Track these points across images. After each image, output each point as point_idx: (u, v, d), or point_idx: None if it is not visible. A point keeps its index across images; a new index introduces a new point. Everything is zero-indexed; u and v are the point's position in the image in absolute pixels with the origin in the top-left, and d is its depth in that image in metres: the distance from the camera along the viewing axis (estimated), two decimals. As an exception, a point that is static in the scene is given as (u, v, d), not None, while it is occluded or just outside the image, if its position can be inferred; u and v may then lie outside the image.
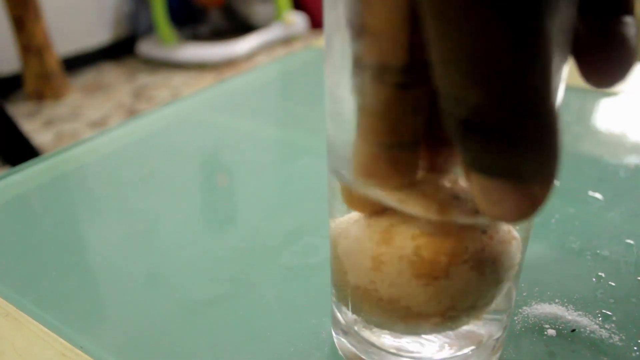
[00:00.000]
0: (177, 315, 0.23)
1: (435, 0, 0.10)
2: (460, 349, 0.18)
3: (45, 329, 0.22)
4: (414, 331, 0.17)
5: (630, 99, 0.44)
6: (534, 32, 0.10)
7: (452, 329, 0.17)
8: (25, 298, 0.24)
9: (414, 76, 0.11)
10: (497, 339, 0.19)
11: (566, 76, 0.13)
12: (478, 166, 0.11)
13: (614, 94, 0.45)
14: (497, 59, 0.10)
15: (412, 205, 0.14)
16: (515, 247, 0.16)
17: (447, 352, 0.18)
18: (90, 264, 0.27)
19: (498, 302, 0.17)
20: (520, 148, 0.10)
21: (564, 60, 0.12)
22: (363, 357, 0.19)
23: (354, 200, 0.16)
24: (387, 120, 0.12)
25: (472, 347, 0.18)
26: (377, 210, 0.15)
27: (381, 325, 0.17)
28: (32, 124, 1.99)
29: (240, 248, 0.28)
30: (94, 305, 0.24)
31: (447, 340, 0.18)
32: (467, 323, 0.17)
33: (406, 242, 0.15)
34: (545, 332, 0.21)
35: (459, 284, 0.15)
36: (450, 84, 0.10)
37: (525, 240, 0.17)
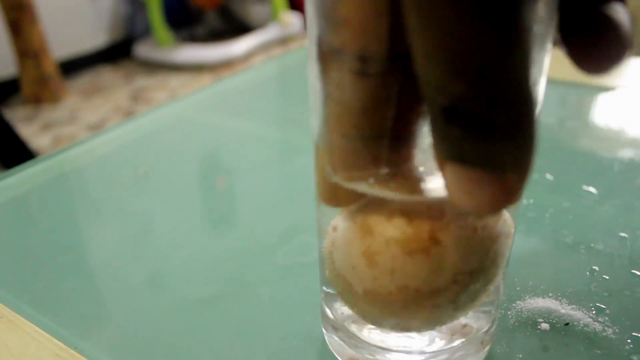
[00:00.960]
0: (172, 315, 0.23)
1: None
2: (449, 342, 0.18)
3: (40, 331, 0.22)
4: (432, 322, 0.17)
5: (624, 94, 0.44)
6: (513, 23, 0.10)
7: (468, 307, 0.17)
8: (20, 300, 0.24)
9: (388, 65, 0.11)
10: (486, 332, 0.19)
11: (547, 67, 0.13)
12: (456, 155, 0.11)
13: (609, 89, 0.45)
14: (478, 50, 0.10)
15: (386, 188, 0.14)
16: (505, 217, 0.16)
17: (437, 345, 0.18)
18: (85, 265, 0.28)
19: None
20: (499, 136, 0.10)
21: (543, 51, 0.13)
22: (353, 352, 0.19)
23: (331, 195, 0.16)
24: (365, 110, 0.12)
25: (462, 340, 0.18)
26: (351, 200, 0.16)
27: (396, 325, 0.17)
28: (30, 128, 1.99)
29: (236, 247, 0.28)
30: (89, 306, 0.24)
31: (436, 333, 0.18)
32: (479, 298, 0.16)
33: (384, 224, 0.15)
34: (539, 326, 0.21)
35: (453, 247, 0.15)
36: (432, 74, 0.10)
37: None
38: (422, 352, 0.18)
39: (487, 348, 0.19)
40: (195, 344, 0.21)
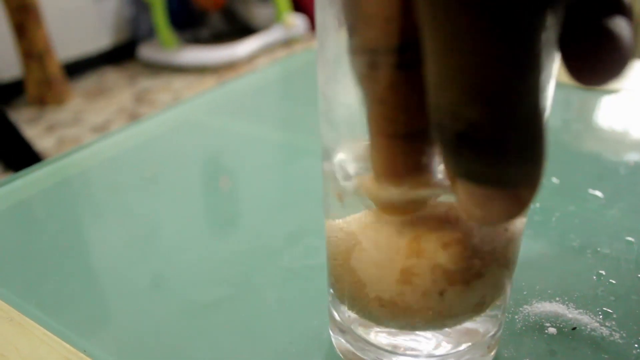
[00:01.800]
0: (179, 317, 0.23)
1: (437, 22, 0.10)
2: (456, 345, 0.18)
3: (49, 333, 0.22)
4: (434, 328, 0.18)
5: (629, 97, 0.44)
6: (531, 51, 0.10)
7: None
8: (29, 303, 0.24)
9: (414, 56, 0.11)
10: (493, 336, 0.19)
11: (555, 73, 0.14)
12: (468, 175, 0.11)
13: (614, 91, 0.45)
14: (496, 78, 0.10)
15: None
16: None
17: (444, 348, 0.18)
18: (92, 268, 0.28)
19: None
20: (512, 158, 0.11)
21: (552, 57, 0.13)
22: (360, 355, 0.19)
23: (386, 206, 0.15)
24: (397, 105, 0.12)
25: (469, 344, 0.18)
26: (408, 211, 0.15)
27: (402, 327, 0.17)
28: (34, 130, 2.00)
29: (242, 250, 0.28)
30: (97, 309, 0.24)
31: (443, 337, 0.18)
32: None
33: (437, 252, 0.15)
34: (546, 331, 0.21)
35: (490, 283, 0.16)
36: (448, 100, 0.10)
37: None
38: (429, 356, 0.18)
39: (493, 352, 0.19)
40: (202, 347, 0.22)
